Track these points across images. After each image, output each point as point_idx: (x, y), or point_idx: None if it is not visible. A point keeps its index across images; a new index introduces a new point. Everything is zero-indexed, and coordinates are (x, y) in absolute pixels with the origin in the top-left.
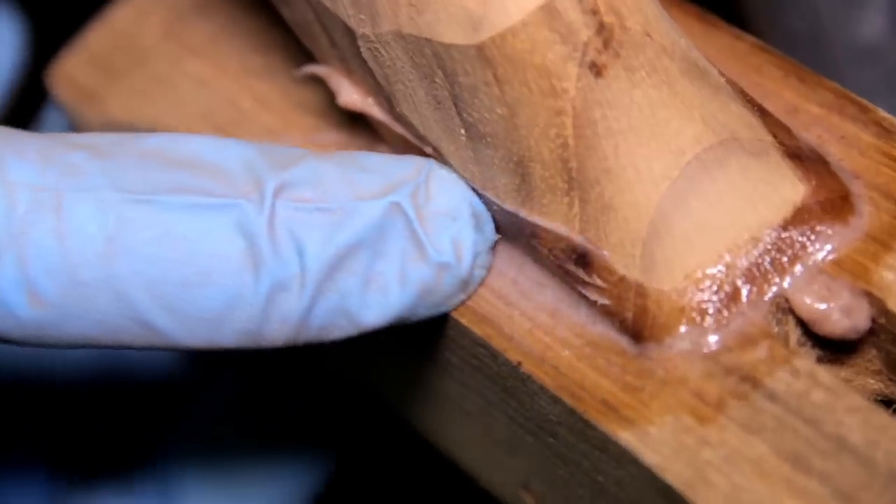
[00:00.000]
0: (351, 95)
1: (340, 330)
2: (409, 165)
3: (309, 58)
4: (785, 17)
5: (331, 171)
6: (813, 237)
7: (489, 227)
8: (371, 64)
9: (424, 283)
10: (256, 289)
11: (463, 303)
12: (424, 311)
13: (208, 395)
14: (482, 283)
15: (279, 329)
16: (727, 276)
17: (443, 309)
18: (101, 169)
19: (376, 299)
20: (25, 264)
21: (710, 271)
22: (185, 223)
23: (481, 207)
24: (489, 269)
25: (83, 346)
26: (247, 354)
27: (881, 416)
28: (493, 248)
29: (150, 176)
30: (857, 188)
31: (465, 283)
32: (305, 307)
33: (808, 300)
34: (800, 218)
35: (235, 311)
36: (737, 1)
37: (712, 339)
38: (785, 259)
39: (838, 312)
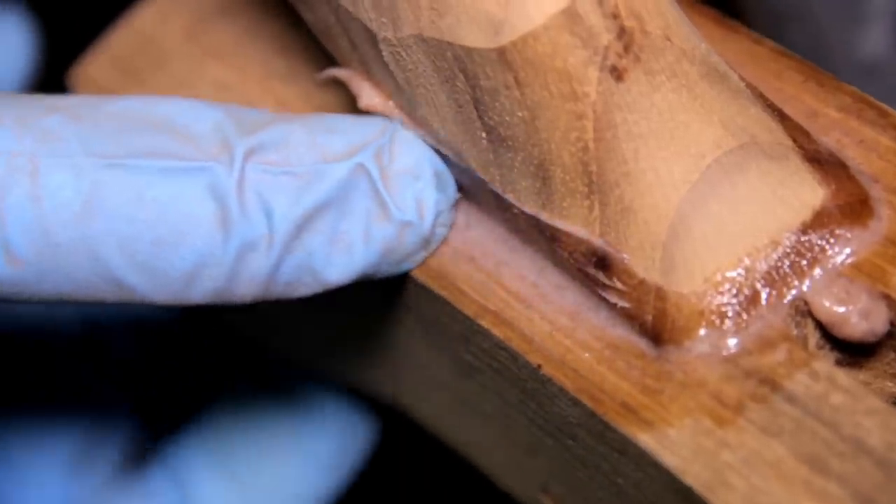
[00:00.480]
0: (372, 98)
1: (306, 287)
2: (374, 126)
3: (330, 61)
4: (787, 32)
5: (297, 134)
6: (832, 241)
7: (451, 186)
8: (392, 67)
9: (387, 241)
10: (226, 248)
11: (425, 260)
12: (387, 268)
13: (223, 384)
14: (444, 240)
15: (248, 286)
16: (746, 279)
17: (405, 267)
18: (76, 133)
19: (341, 257)
20: (3, 226)
21: (729, 274)
22: (158, 186)
23: (443, 167)
24: (451, 227)
25: (56, 302)
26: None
27: None
28: (455, 206)
29: (124, 140)
30: (876, 192)
31: (426, 241)
32: (273, 265)
33: (826, 303)
34: (819, 221)
35: (206, 270)
36: (738, 16)
37: (731, 342)
38: (804, 262)
39: (857, 315)
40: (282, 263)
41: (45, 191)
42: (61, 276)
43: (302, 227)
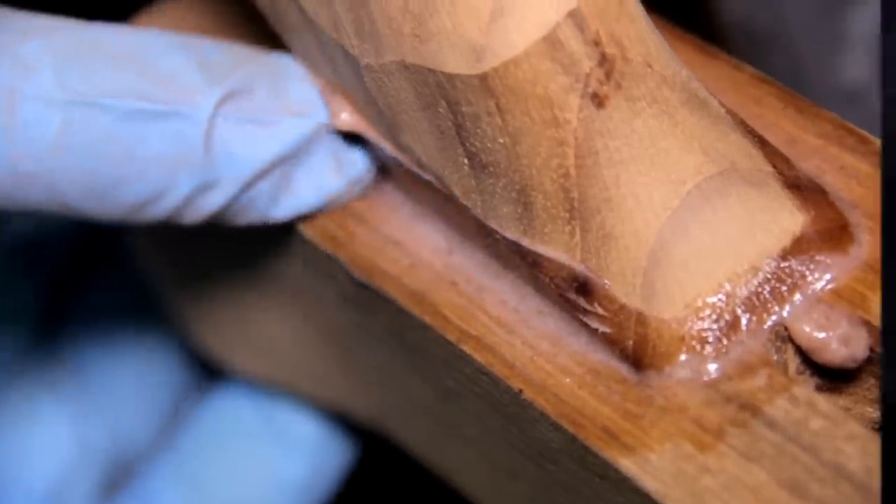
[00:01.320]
0: (349, 118)
1: (248, 219)
2: None
3: None
4: (767, 58)
5: (264, 81)
6: (812, 266)
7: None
8: (374, 93)
9: (336, 192)
10: (182, 187)
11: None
12: (326, 209)
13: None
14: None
15: (195, 216)
16: (727, 304)
17: (339, 205)
18: (52, 65)
19: (288, 200)
20: None
21: (710, 300)
22: (127, 128)
23: None
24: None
25: (10, 212)
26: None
27: (879, 444)
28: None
29: (99, 75)
30: (855, 218)
31: (367, 190)
32: (225, 203)
33: (807, 329)
34: (799, 247)
35: (159, 202)
36: (718, 42)
37: (712, 367)
38: (784, 288)
39: (837, 341)
40: (234, 202)
41: (19, 123)
42: (21, 200)
43: (259, 174)
